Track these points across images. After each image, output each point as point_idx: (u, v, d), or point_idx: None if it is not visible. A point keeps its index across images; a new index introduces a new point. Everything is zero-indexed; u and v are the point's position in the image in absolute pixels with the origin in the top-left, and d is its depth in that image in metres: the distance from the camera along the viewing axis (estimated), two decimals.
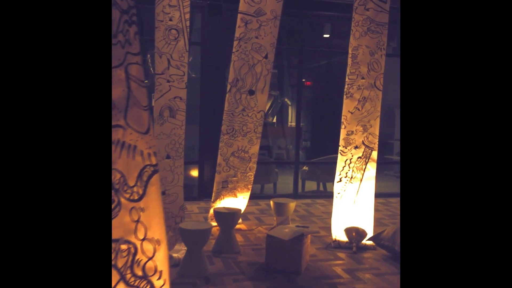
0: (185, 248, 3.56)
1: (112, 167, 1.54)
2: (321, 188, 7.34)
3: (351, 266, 3.75)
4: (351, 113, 4.22)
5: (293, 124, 9.46)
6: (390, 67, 4.90)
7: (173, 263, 3.57)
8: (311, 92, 11.36)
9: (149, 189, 1.62)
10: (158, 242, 1.64)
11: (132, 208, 1.59)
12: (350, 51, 4.25)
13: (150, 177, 1.62)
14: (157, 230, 1.64)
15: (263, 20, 4.64)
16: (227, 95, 4.75)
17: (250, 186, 4.95)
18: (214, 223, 4.43)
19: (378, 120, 4.24)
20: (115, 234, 1.55)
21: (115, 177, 1.56)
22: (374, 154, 4.23)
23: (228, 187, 4.88)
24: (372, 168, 4.23)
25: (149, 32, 5.08)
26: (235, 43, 4.67)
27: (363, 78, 4.20)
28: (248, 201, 5.03)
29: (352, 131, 4.22)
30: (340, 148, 4.27)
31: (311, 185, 7.32)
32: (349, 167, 4.23)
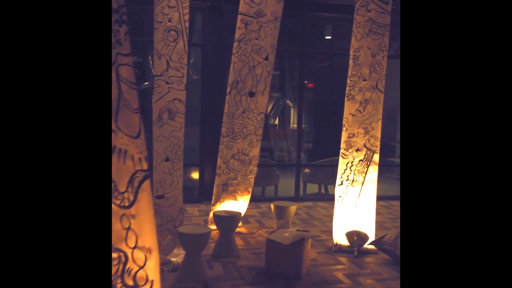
0: (184, 252, 3.51)
1: None
2: (323, 191, 7.29)
3: (352, 271, 3.69)
4: (353, 115, 4.17)
5: (295, 126, 9.42)
6: (392, 69, 4.83)
7: (172, 268, 3.53)
8: (313, 94, 11.31)
9: (140, 195, 1.56)
10: (149, 250, 1.58)
11: (123, 215, 1.53)
12: (351, 53, 4.19)
13: (141, 182, 1.57)
14: (148, 238, 1.58)
15: (264, 21, 4.59)
16: (227, 97, 4.69)
17: (250, 189, 4.89)
18: (213, 227, 4.38)
19: (380, 122, 4.18)
20: None
21: None
22: (376, 157, 4.17)
23: (228, 190, 4.83)
24: (374, 171, 4.16)
25: (149, 33, 5.04)
26: (235, 44, 4.62)
27: (364, 80, 4.14)
28: (249, 204, 4.97)
29: (354, 134, 4.16)
30: (341, 151, 4.21)
31: (312, 188, 7.26)
32: (351, 170, 4.16)
